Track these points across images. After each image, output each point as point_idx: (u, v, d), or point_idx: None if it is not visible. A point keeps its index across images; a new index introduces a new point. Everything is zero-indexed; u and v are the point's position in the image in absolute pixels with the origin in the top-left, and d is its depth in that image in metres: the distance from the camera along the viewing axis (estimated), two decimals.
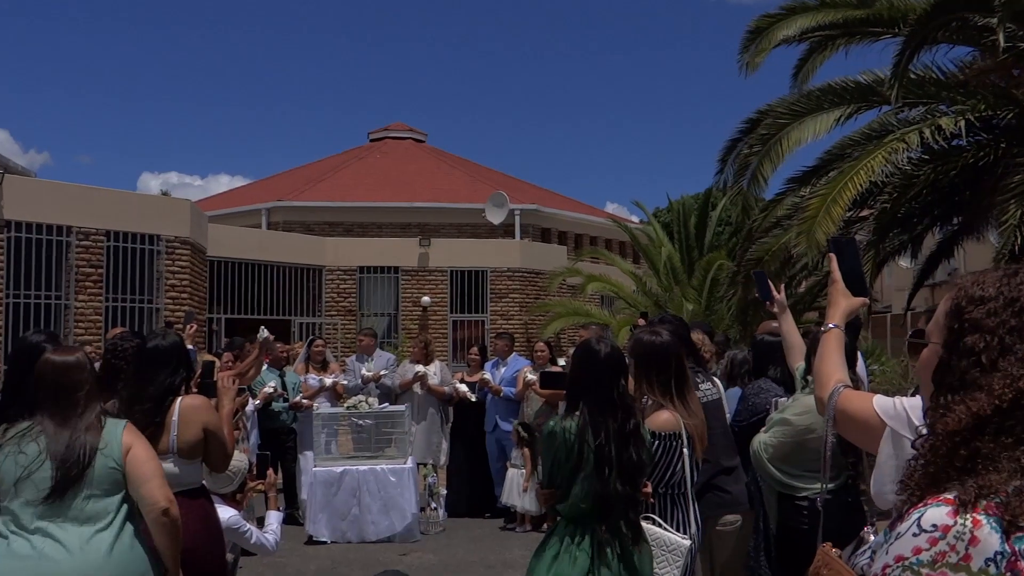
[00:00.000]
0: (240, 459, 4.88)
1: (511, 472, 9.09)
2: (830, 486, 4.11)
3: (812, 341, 4.15)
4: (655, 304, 17.24)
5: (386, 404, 9.09)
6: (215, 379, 4.49)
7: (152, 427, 3.92)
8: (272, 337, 8.28)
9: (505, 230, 22.62)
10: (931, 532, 1.31)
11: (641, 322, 6.02)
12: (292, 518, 9.33)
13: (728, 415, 5.39)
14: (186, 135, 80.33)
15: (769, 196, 12.29)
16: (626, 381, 3.75)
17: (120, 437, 3.36)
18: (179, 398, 4.06)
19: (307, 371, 9.93)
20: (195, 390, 4.32)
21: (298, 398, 9.38)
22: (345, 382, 9.94)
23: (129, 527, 3.31)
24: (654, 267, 18.71)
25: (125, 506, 3.32)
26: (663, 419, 3.99)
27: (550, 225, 24.32)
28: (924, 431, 1.46)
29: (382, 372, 9.99)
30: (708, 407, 4.46)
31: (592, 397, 3.65)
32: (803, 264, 11.46)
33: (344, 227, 22.52)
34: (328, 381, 9.78)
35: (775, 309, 5.07)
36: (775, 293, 5.05)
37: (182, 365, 4.14)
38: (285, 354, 9.93)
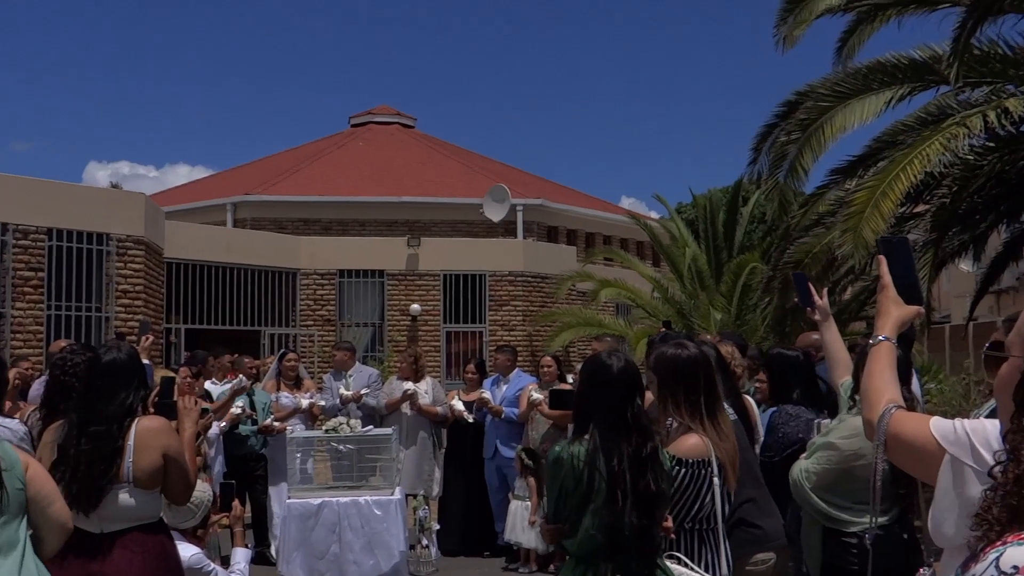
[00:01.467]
0: (203, 490, 4.89)
1: (514, 504, 9.10)
2: (881, 520, 4.12)
3: (860, 355, 4.17)
4: (678, 313, 17.26)
5: (370, 427, 9.10)
6: (175, 398, 4.51)
7: (112, 452, 3.94)
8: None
9: (506, 228, 22.63)
10: (1012, 575, 1.31)
11: (663, 329, 6.04)
12: (262, 557, 9.31)
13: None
14: (140, 119, 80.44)
15: (809, 189, 12.31)
16: (642, 400, 3.76)
17: (14, 453, 3.38)
18: (135, 420, 4.08)
19: (278, 389, 9.97)
20: (152, 410, 4.34)
21: (268, 420, 9.41)
22: (323, 403, 9.97)
23: (31, 552, 3.35)
24: (677, 270, 18.74)
25: (26, 530, 3.36)
26: (690, 444, 3.99)
27: (557, 223, 24.35)
28: (1003, 457, 1.46)
29: (363, 391, 10.01)
30: None
31: (603, 418, 3.66)
32: (849, 267, 11.47)
33: (321, 225, 22.55)
34: (304, 402, 9.81)
35: (816, 317, 5.08)
36: (817, 298, 5.06)
37: (141, 382, 4.16)
38: (254, 370, 9.96)
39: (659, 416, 4.16)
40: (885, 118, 10.80)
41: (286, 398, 9.91)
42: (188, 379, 8.56)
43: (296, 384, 10.16)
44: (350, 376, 10.34)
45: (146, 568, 3.97)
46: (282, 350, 11.16)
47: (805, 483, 4.39)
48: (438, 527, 9.33)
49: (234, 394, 9.08)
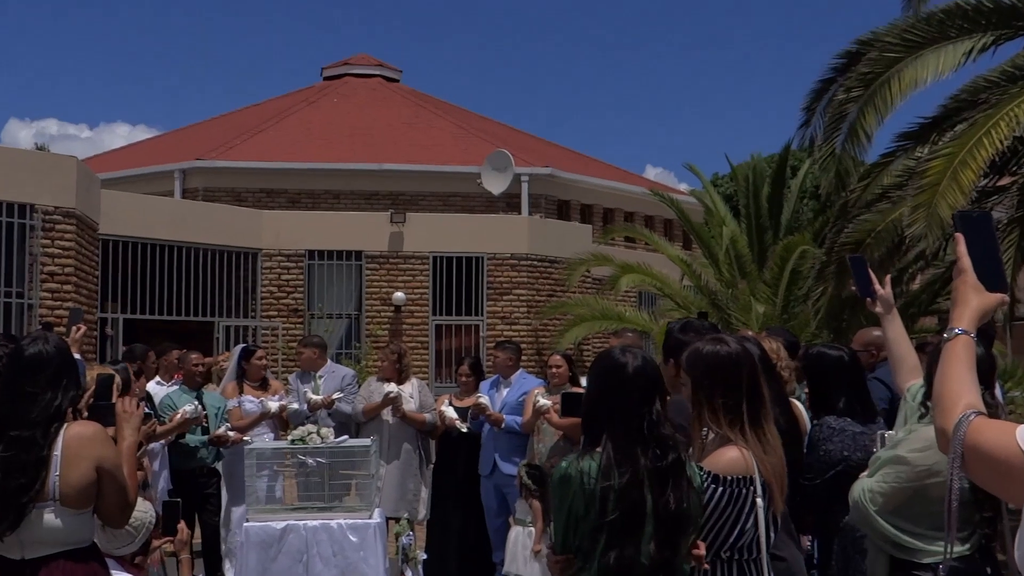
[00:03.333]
0: (144, 510, 4.88)
1: (515, 531, 9.09)
2: (959, 549, 4.11)
3: (933, 353, 4.16)
4: (712, 304, 17.24)
5: (344, 437, 9.10)
6: (113, 401, 4.51)
7: (35, 463, 3.93)
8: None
9: (508, 202, 22.62)
10: None
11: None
12: None
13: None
14: (70, 71, 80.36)
15: (872, 158, 12.30)
16: (663, 404, 3.76)
17: None
18: (64, 425, 4.07)
19: (240, 392, 9.95)
20: (84, 415, 4.33)
21: (222, 429, 9.41)
22: (295, 405, 9.98)
23: None
24: (711, 254, 18.72)
25: None
26: (729, 458, 3.98)
27: (569, 196, 24.34)
28: None
29: (336, 395, 10.00)
30: None
31: (617, 427, 3.65)
32: (919, 251, 11.46)
33: (288, 197, 22.55)
34: (273, 405, 9.80)
35: (878, 309, 5.07)
36: (878, 287, 5.05)
37: (71, 380, 4.14)
38: (202, 368, 9.96)
39: (693, 425, 4.15)
40: (964, 72, 10.79)
41: (251, 403, 9.89)
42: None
43: (262, 386, 10.15)
44: (320, 377, 10.32)
45: None
46: (243, 345, 11.15)
47: (869, 505, 4.38)
48: (425, 557, 9.32)
49: (184, 424, 9.05)
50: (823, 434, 5.42)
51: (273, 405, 9.86)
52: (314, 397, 9.91)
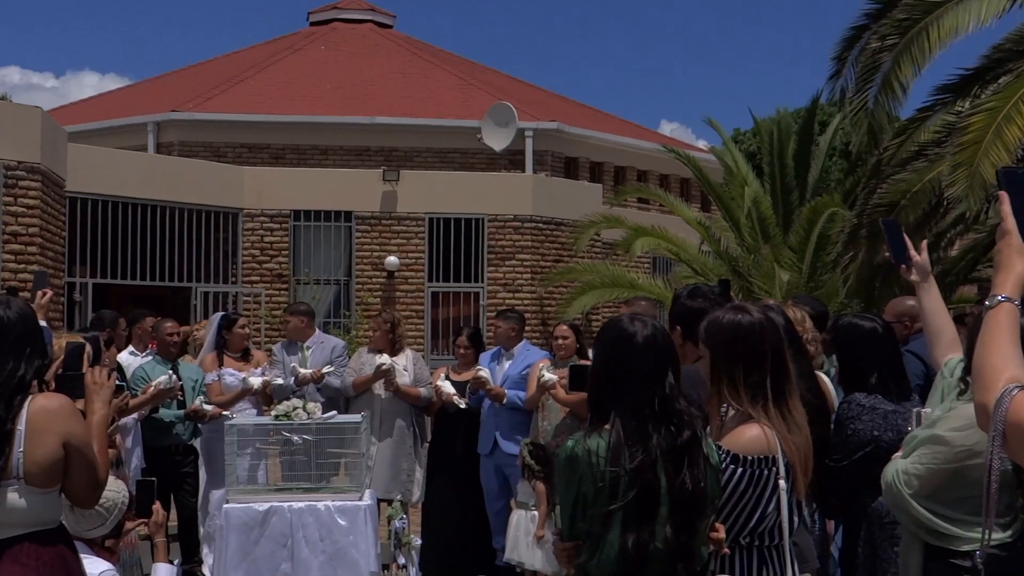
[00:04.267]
0: (116, 489, 4.89)
1: (517, 515, 9.13)
2: (998, 536, 4.12)
3: (974, 324, 4.15)
4: (733, 271, 17.25)
5: (333, 413, 9.12)
6: (82, 371, 4.50)
7: None
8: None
9: (511, 159, 22.56)
10: None
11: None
12: None
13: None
14: (34, 15, 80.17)
15: (908, 112, 12.27)
16: (677, 376, 3.76)
17: None
18: (28, 398, 4.07)
19: (220, 364, 9.94)
20: (51, 386, 4.33)
21: (198, 402, 9.41)
22: (279, 380, 9.96)
23: None
24: (732, 216, 18.70)
25: None
26: (750, 437, 3.99)
27: (577, 153, 24.27)
28: None
29: (325, 369, 10.01)
30: None
31: (627, 403, 3.66)
32: (959, 213, 11.45)
33: (271, 152, 22.49)
34: (256, 381, 9.78)
35: (913, 277, 5.07)
36: (913, 253, 5.04)
37: (36, 349, 4.14)
38: (177, 337, 9.93)
39: (711, 402, 4.15)
40: (1009, 19, 10.75)
41: (231, 376, 9.89)
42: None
43: (243, 358, 10.14)
44: (308, 349, 10.34)
45: None
46: (223, 313, 11.15)
47: (903, 488, 4.38)
48: (419, 542, 9.36)
49: (158, 396, 9.05)
50: (852, 412, 5.43)
51: (256, 381, 9.83)
52: (302, 371, 9.91)
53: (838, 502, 5.60)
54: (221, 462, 9.32)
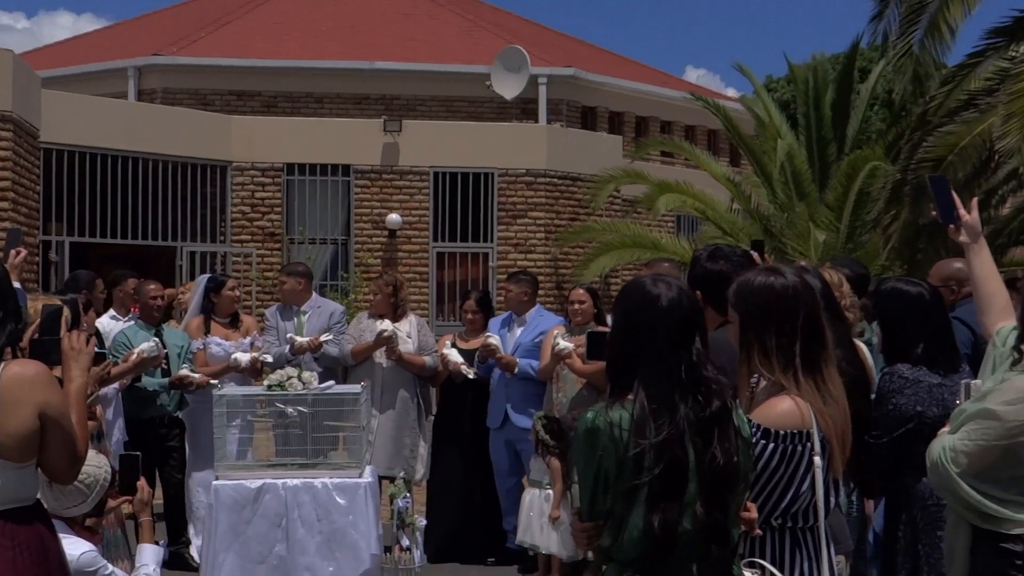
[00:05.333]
0: (97, 464, 4.91)
1: (530, 494, 9.16)
2: None
3: None
4: (765, 230, 17.21)
5: (331, 383, 9.12)
6: (60, 336, 4.50)
7: None
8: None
9: (523, 109, 22.50)
10: None
11: (753, 256, 6.01)
12: (180, 558, 9.41)
13: None
14: None
15: (957, 58, 12.20)
16: (704, 342, 3.75)
17: None
18: (0, 365, 4.08)
19: (207, 332, 9.92)
20: (26, 353, 4.33)
21: (184, 369, 9.42)
22: (268, 358, 9.88)
23: None
24: (764, 171, 18.64)
25: None
26: (782, 410, 3.99)
27: (595, 102, 24.19)
28: None
29: (323, 336, 9.99)
30: None
31: (651, 371, 3.65)
32: (1012, 168, 11.41)
33: (262, 100, 22.44)
34: (243, 358, 9.70)
35: (962, 238, 5.05)
36: (962, 211, 5.03)
37: (10, 312, 4.14)
38: (161, 300, 9.92)
39: (740, 371, 4.15)
40: None
41: (217, 345, 9.87)
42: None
43: (232, 324, 10.11)
44: (304, 313, 10.33)
45: (18, 569, 3.99)
46: (209, 275, 11.12)
47: (950, 466, 4.38)
48: (424, 523, 9.39)
49: (141, 364, 9.05)
50: (894, 385, 5.42)
51: (243, 358, 9.70)
52: (298, 339, 9.89)
53: (878, 482, 5.60)
54: (206, 439, 9.32)
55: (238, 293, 10.34)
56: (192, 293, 10.51)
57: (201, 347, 9.81)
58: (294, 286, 10.42)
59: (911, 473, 5.25)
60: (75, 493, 4.79)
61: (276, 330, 10.33)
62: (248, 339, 10.03)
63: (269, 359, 9.78)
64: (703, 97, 21.73)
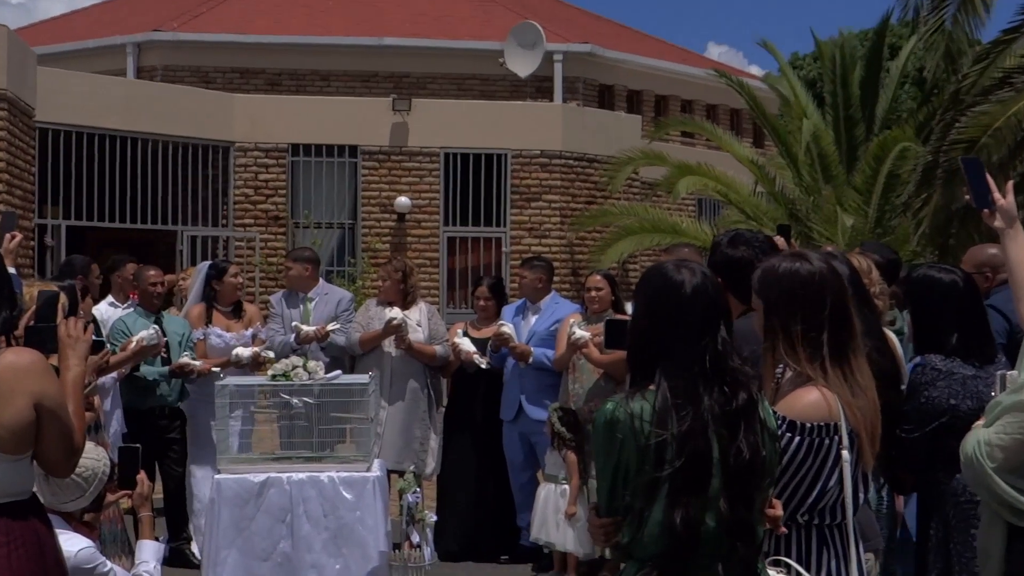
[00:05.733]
0: (96, 457, 4.91)
1: (545, 489, 9.16)
2: None
3: None
4: (790, 215, 17.18)
5: (338, 372, 9.11)
6: (56, 323, 4.51)
7: None
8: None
9: (538, 87, 22.47)
10: None
11: (779, 241, 5.98)
12: (181, 556, 9.41)
13: None
14: None
15: (992, 34, 12.15)
16: (729, 329, 3.74)
17: None
18: None
19: (208, 321, 9.89)
20: (20, 340, 4.33)
21: (184, 357, 9.40)
22: (271, 354, 9.79)
23: None
24: (789, 152, 18.61)
25: None
26: (808, 402, 3.98)
27: (613, 80, 24.15)
28: None
29: (330, 326, 9.94)
30: None
31: (674, 360, 3.64)
32: None
33: (266, 78, 22.44)
34: (244, 353, 9.62)
35: (996, 223, 5.02)
36: (997, 195, 5.00)
37: (3, 298, 4.14)
38: (161, 287, 9.90)
39: (764, 361, 4.14)
40: None
41: (217, 337, 9.83)
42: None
43: (235, 313, 10.08)
44: (311, 301, 10.31)
45: (12, 566, 4.00)
46: (211, 261, 11.10)
47: (985, 461, 4.36)
48: (434, 519, 9.40)
49: (140, 353, 9.04)
50: (926, 377, 5.40)
51: (245, 353, 9.59)
52: (305, 328, 9.86)
53: (909, 477, 5.59)
54: (205, 431, 9.34)
55: (241, 280, 10.30)
56: (193, 279, 10.48)
57: (201, 337, 9.77)
58: (300, 272, 10.39)
59: (944, 468, 5.23)
60: (72, 487, 4.78)
61: (281, 318, 10.31)
62: (250, 331, 9.97)
63: (271, 355, 9.61)
64: (726, 74, 21.66)
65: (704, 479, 3.56)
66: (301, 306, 10.25)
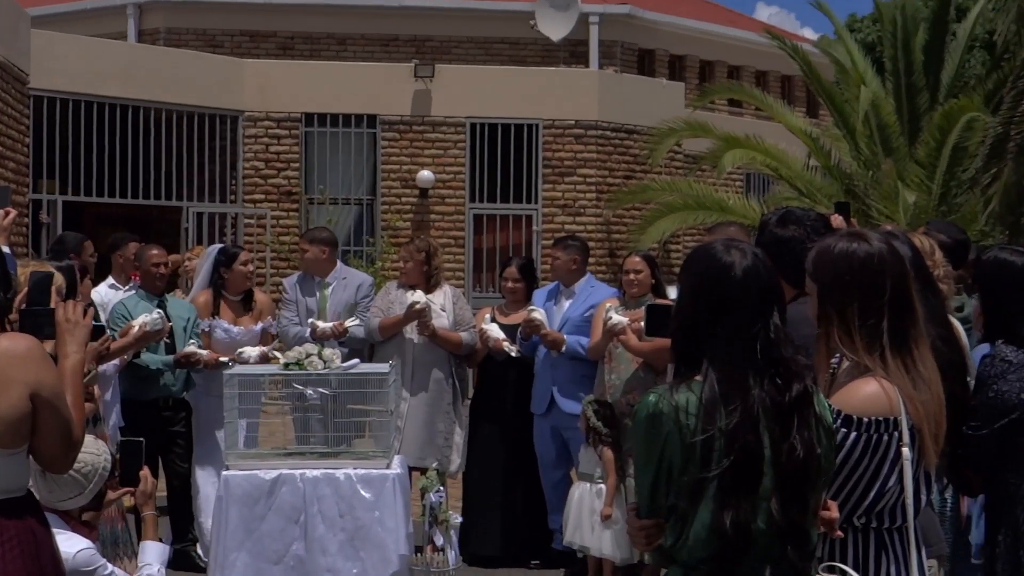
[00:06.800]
0: (96, 451, 4.93)
1: (579, 488, 9.17)
2: None
3: None
4: (846, 191, 17.12)
5: (356, 361, 9.08)
6: (52, 306, 4.52)
7: None
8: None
9: (572, 52, 22.43)
10: None
11: (836, 220, 5.96)
12: (186, 558, 9.45)
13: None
14: None
15: None
16: (782, 317, 3.73)
17: None
18: None
19: (215, 312, 9.82)
20: (13, 325, 4.35)
21: (191, 346, 9.38)
22: (279, 356, 9.61)
23: None
24: (846, 123, 18.54)
25: None
26: (866, 394, 3.96)
27: (654, 44, 24.09)
28: None
29: (349, 323, 9.82)
30: None
31: (723, 349, 3.63)
32: None
33: (278, 42, 22.46)
34: (252, 354, 9.50)
35: None
36: None
37: None
38: (165, 268, 9.86)
39: (818, 349, 4.14)
40: None
41: (223, 331, 9.80)
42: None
43: (244, 303, 10.04)
44: (328, 286, 10.25)
45: (6, 567, 4.01)
46: (221, 245, 11.01)
47: None
48: (459, 520, 9.43)
49: (143, 339, 9.01)
50: (996, 369, 5.38)
51: (252, 353, 9.47)
52: (321, 324, 9.79)
53: (976, 478, 5.58)
54: (215, 418, 9.34)
55: (252, 268, 10.17)
56: (201, 262, 10.42)
57: (206, 329, 9.70)
58: (317, 255, 10.26)
59: (1014, 469, 5.22)
60: (71, 484, 4.81)
61: (295, 304, 10.22)
62: (260, 325, 9.89)
63: (280, 358, 9.41)
64: (778, 37, 21.56)
65: (754, 478, 3.55)
66: (317, 292, 10.20)
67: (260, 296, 10.31)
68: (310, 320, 9.92)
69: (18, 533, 4.08)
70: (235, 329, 9.76)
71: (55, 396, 4.10)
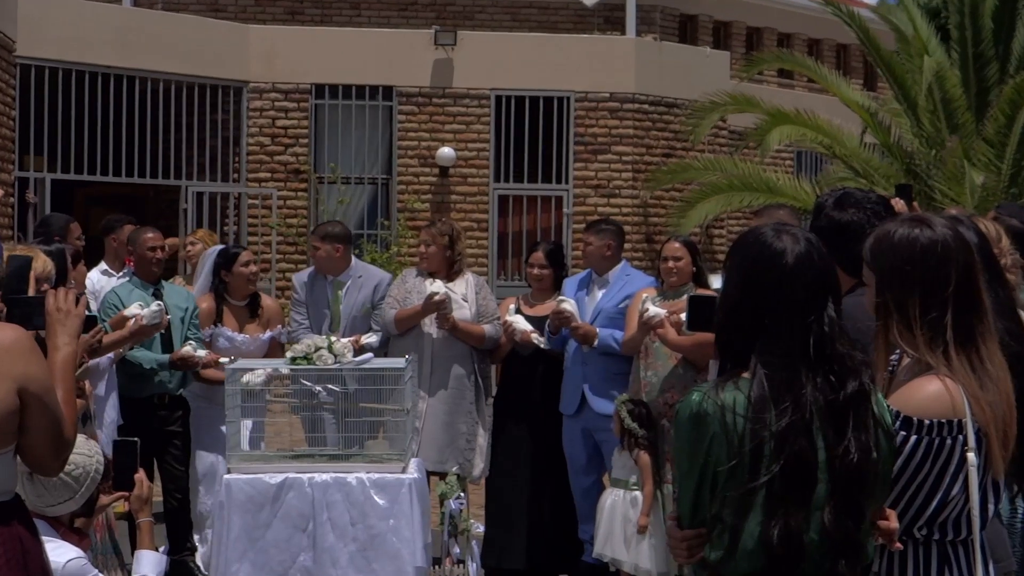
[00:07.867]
0: (88, 452, 4.96)
1: (612, 495, 9.18)
2: None
3: None
4: (907, 171, 17.09)
5: (369, 355, 9.09)
6: (40, 291, 4.54)
7: None
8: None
9: (607, 18, 22.41)
10: None
11: (898, 203, 5.95)
12: (183, 568, 9.50)
13: None
14: None
15: None
16: (838, 310, 3.73)
17: None
18: None
19: (218, 318, 9.76)
20: (0, 313, 4.37)
21: (188, 347, 9.34)
22: (285, 370, 9.44)
23: None
24: (907, 97, 18.50)
25: None
26: (928, 393, 3.96)
27: (696, 10, 24.06)
28: None
29: (365, 339, 9.60)
30: None
31: (773, 343, 3.64)
32: None
33: (286, 6, 22.45)
34: (256, 380, 9.36)
35: None
36: None
37: None
38: (160, 252, 9.85)
39: (876, 345, 4.14)
40: None
41: (225, 339, 9.75)
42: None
43: (250, 308, 10.01)
44: (342, 286, 10.23)
45: None
46: (220, 247, 10.88)
47: None
48: (481, 529, 9.45)
49: (140, 332, 8.99)
50: None
51: (257, 376, 9.34)
52: (341, 341, 9.66)
53: None
54: (216, 418, 9.35)
55: (254, 269, 10.02)
56: (199, 267, 10.35)
57: (207, 339, 9.63)
58: (330, 253, 10.13)
59: None
60: (61, 488, 4.83)
61: (305, 307, 10.24)
62: (268, 333, 9.85)
63: (284, 371, 9.04)
64: (833, 2, 21.51)
65: (807, 485, 3.56)
66: (330, 292, 10.16)
67: (267, 302, 10.21)
68: (323, 313, 9.93)
69: (5, 541, 4.09)
70: (239, 337, 9.72)
71: (45, 391, 4.10)
